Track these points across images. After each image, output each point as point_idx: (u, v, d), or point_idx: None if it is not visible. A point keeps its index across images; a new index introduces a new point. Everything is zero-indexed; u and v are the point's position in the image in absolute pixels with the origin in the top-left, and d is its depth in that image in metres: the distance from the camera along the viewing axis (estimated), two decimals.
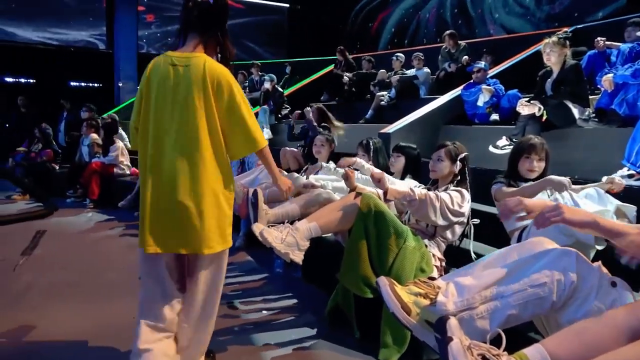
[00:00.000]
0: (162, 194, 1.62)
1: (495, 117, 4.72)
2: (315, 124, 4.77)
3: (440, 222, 2.14)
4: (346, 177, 2.38)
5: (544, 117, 3.73)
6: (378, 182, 2.11)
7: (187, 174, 1.61)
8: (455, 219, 2.18)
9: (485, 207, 2.90)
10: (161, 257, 1.68)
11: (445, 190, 2.28)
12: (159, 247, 1.62)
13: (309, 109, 4.91)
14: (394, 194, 2.08)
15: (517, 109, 3.84)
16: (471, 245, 2.28)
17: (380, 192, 2.39)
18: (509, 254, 1.52)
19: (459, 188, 2.25)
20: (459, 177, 2.35)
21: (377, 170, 2.77)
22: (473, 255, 2.25)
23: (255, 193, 2.37)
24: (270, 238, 1.98)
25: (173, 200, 1.60)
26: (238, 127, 1.65)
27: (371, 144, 3.17)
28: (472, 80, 4.98)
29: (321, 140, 3.69)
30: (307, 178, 3.06)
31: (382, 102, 6.24)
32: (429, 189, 2.42)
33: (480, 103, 4.74)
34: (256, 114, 7.08)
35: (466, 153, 2.37)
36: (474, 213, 2.37)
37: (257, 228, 2.03)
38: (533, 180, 2.30)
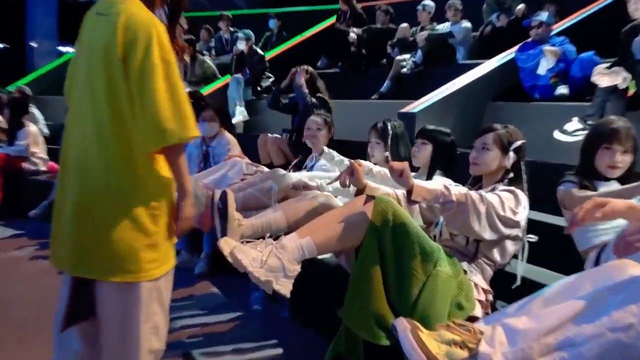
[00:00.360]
0: (62, 192, 1.72)
1: (562, 90, 4.73)
2: (306, 91, 4.74)
3: (487, 234, 2.15)
4: (350, 173, 2.38)
5: (631, 91, 3.74)
6: (399, 176, 2.11)
7: (88, 171, 1.66)
8: (507, 231, 2.18)
9: (546, 217, 2.92)
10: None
11: (493, 190, 2.29)
12: (53, 261, 1.72)
13: (298, 68, 4.88)
14: (422, 193, 2.08)
15: (593, 79, 3.85)
16: (520, 266, 2.30)
17: (400, 193, 2.40)
18: (580, 283, 1.52)
19: (511, 187, 2.26)
20: (511, 174, 2.36)
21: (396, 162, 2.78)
22: (518, 281, 2.27)
23: (223, 196, 2.37)
24: (244, 260, 1.97)
25: (68, 202, 1.68)
26: (146, 106, 1.60)
27: (389, 127, 3.19)
28: (530, 39, 4.99)
29: (316, 122, 3.70)
30: (292, 172, 3.08)
31: (404, 70, 6.24)
32: (469, 189, 2.41)
33: (541, 71, 4.75)
34: (226, 87, 7.10)
35: (523, 141, 2.38)
36: (531, 225, 2.37)
37: (226, 245, 2.03)
38: (617, 180, 2.30)
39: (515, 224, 2.19)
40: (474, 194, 2.13)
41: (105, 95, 1.63)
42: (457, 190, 2.12)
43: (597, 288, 1.47)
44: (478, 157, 2.39)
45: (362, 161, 2.81)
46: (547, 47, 4.74)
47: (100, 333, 1.71)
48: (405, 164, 2.12)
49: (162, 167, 1.71)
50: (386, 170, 2.79)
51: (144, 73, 1.59)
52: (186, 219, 1.77)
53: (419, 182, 2.11)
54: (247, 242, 2.08)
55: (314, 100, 4.61)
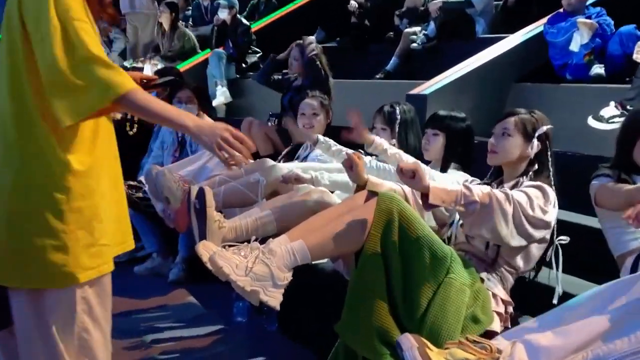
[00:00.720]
0: None
1: (598, 70, 4.72)
2: (322, 65, 4.69)
3: (515, 241, 2.16)
4: (349, 166, 2.38)
5: None
6: (411, 178, 2.10)
7: None
8: (537, 234, 2.19)
9: (578, 217, 2.94)
10: None
11: (517, 186, 2.30)
12: None
13: (310, 41, 4.83)
14: (441, 195, 2.07)
15: (635, 57, 3.84)
16: (559, 278, 2.30)
17: (408, 189, 2.41)
18: (612, 294, 1.54)
19: (537, 182, 2.27)
20: (536, 166, 2.36)
21: (407, 157, 2.77)
22: (557, 295, 2.27)
23: (200, 193, 2.37)
24: (226, 267, 1.98)
25: None
26: (77, 65, 1.62)
27: (397, 112, 3.20)
28: (561, 10, 4.98)
29: (312, 106, 3.70)
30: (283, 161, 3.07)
31: (414, 45, 6.23)
32: (489, 185, 2.43)
33: (574, 47, 4.73)
34: (205, 63, 7.08)
35: (549, 126, 2.39)
36: (560, 227, 2.38)
37: (205, 250, 2.03)
38: None
39: (545, 225, 2.20)
40: (498, 192, 2.14)
41: (6, 72, 1.67)
42: (479, 189, 2.13)
43: (632, 299, 1.49)
44: (497, 144, 2.39)
45: (377, 138, 2.82)
46: (581, 20, 4.73)
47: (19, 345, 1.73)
48: (417, 165, 2.13)
49: (73, 153, 1.69)
50: (403, 154, 2.82)
51: (45, 33, 1.61)
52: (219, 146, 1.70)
53: (436, 184, 2.11)
54: (230, 246, 2.08)
55: (329, 77, 4.54)
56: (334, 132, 3.43)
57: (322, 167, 3.13)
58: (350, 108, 2.64)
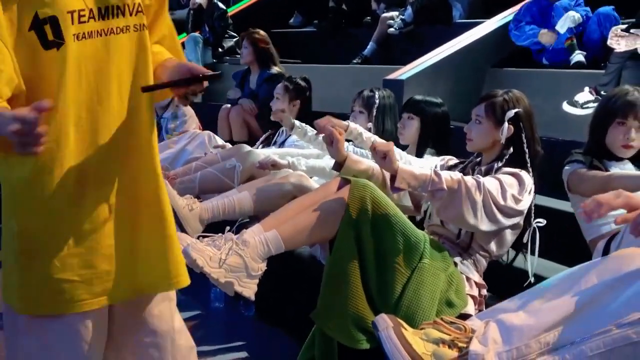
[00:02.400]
0: None
1: (580, 56, 4.61)
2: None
3: (484, 226, 2.16)
4: (330, 142, 2.36)
5: None
6: (383, 158, 2.11)
7: None
8: (507, 222, 2.21)
9: (552, 202, 2.96)
10: None
11: (491, 171, 2.31)
12: None
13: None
14: (408, 178, 2.08)
15: (609, 42, 3.87)
16: (532, 261, 2.32)
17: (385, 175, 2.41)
18: (584, 275, 1.55)
19: (515, 170, 2.26)
20: (511, 149, 2.34)
21: (380, 140, 2.77)
22: (531, 278, 2.30)
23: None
24: (200, 259, 1.99)
25: None
26: None
27: (376, 97, 3.21)
28: None
29: (277, 91, 3.72)
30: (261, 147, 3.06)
31: (392, 30, 6.19)
32: (464, 171, 2.44)
33: (561, 28, 4.59)
34: (182, 46, 6.98)
35: (518, 109, 2.32)
36: (537, 211, 2.41)
37: (179, 242, 2.01)
38: (630, 160, 2.34)
39: (517, 213, 2.21)
40: (469, 179, 2.13)
41: None
42: (449, 175, 2.12)
43: (604, 280, 1.51)
44: (471, 131, 2.40)
45: (352, 123, 2.81)
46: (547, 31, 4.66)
47: None
48: (391, 144, 2.13)
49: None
50: (378, 139, 2.81)
51: None
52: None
53: (405, 166, 2.11)
54: (204, 237, 2.08)
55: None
56: (311, 116, 3.43)
57: (299, 153, 3.14)
58: (318, 122, 2.55)
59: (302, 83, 3.84)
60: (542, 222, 2.33)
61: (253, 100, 4.85)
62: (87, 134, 1.44)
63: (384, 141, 2.23)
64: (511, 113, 2.31)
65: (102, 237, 1.48)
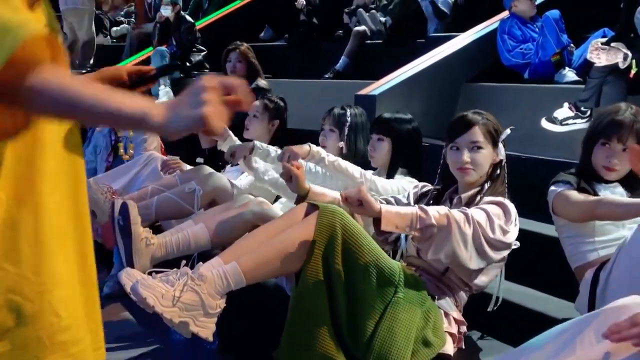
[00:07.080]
0: None
1: (571, 74, 4.60)
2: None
3: (474, 264, 2.08)
4: (288, 178, 2.35)
5: (633, 71, 3.74)
6: (359, 206, 2.04)
7: None
8: (496, 256, 2.12)
9: (531, 225, 2.88)
10: None
11: (474, 200, 2.23)
12: None
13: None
14: (393, 219, 2.01)
15: (589, 56, 3.84)
16: (499, 287, 2.31)
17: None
18: (578, 332, 1.48)
19: (498, 199, 2.19)
20: (498, 172, 2.30)
21: (345, 164, 2.74)
22: (497, 302, 2.29)
23: (124, 208, 2.30)
24: (151, 298, 1.90)
25: None
26: None
27: (348, 114, 3.17)
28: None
29: (255, 109, 3.60)
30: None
31: (365, 42, 6.25)
32: (439, 197, 2.38)
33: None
34: (147, 62, 6.96)
35: (508, 130, 2.31)
36: None
37: (128, 279, 1.96)
38: (620, 182, 2.28)
39: (505, 247, 2.14)
40: (456, 213, 2.06)
41: None
42: (436, 210, 2.06)
43: (603, 343, 1.42)
44: (473, 159, 2.25)
45: (314, 146, 2.76)
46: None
47: None
48: (361, 189, 2.06)
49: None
50: (342, 161, 2.77)
51: None
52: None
53: (388, 207, 2.05)
54: (157, 272, 2.01)
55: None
56: (291, 135, 3.41)
57: (262, 175, 3.06)
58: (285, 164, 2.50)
59: (281, 103, 3.76)
60: (516, 244, 2.24)
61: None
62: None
63: (350, 189, 2.15)
64: (507, 132, 2.30)
65: None
